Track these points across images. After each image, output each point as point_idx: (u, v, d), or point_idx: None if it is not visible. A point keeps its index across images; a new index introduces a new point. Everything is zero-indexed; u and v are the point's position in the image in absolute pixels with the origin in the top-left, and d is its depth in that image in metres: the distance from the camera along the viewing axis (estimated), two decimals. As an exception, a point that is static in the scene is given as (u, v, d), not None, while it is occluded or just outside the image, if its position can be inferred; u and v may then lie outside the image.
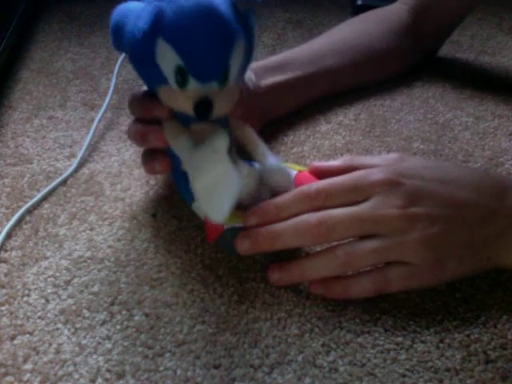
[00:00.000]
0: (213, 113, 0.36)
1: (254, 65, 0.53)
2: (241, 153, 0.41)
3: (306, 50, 0.60)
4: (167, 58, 0.35)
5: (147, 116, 0.41)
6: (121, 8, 0.37)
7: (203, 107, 0.36)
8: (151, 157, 0.42)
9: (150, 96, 0.40)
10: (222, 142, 0.36)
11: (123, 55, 0.65)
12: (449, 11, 0.65)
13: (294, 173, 0.42)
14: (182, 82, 0.35)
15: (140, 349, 0.35)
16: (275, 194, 0.40)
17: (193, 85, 0.35)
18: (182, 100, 0.36)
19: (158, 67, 0.35)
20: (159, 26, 0.34)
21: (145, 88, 0.42)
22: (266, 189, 0.40)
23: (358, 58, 0.62)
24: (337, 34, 0.64)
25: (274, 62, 0.56)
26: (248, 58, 0.39)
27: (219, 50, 0.35)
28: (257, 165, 0.41)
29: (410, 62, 0.67)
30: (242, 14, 0.36)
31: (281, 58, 0.57)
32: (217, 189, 0.36)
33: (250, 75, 0.50)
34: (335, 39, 0.63)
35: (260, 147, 0.41)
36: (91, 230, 0.44)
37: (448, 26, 0.68)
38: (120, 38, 0.37)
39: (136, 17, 0.35)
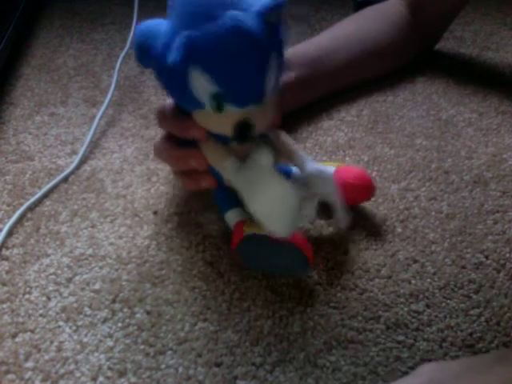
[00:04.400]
0: (253, 133, 0.36)
1: None
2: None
3: (313, 47, 0.59)
4: (202, 86, 0.33)
5: (182, 136, 0.39)
6: (144, 27, 0.35)
7: (243, 130, 0.35)
8: (195, 175, 0.40)
9: (181, 111, 0.38)
10: (268, 159, 0.36)
11: (124, 52, 0.65)
12: (443, 2, 0.65)
13: (332, 169, 0.42)
14: (219, 108, 0.34)
15: (141, 347, 0.35)
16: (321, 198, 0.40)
17: (231, 109, 0.34)
18: (220, 123, 0.36)
19: (192, 94, 0.34)
20: (191, 54, 0.32)
21: (169, 99, 0.40)
22: (312, 195, 0.40)
23: (362, 53, 0.62)
24: (340, 30, 0.64)
25: None
26: (280, 68, 0.37)
27: (255, 72, 0.34)
28: (294, 170, 0.41)
29: (410, 56, 0.67)
30: (271, 26, 0.34)
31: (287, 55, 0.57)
32: (277, 207, 0.36)
33: None
34: (340, 36, 0.62)
35: (297, 153, 0.40)
36: (93, 227, 0.44)
37: (444, 18, 0.68)
38: (147, 59, 0.36)
39: (165, 43, 0.34)
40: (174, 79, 0.35)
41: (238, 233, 0.38)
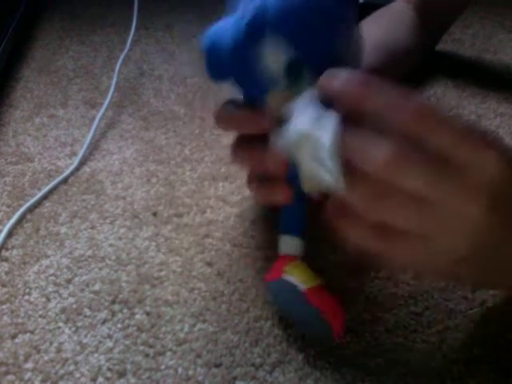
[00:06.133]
0: None
1: None
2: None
3: None
4: (278, 54, 0.30)
5: (251, 129, 0.35)
6: (213, 29, 0.33)
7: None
8: (269, 185, 0.36)
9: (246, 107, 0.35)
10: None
11: (124, 54, 0.65)
12: (449, 4, 0.65)
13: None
14: (296, 79, 0.31)
15: (141, 347, 0.35)
16: None
17: (307, 81, 0.31)
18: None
19: (266, 69, 0.31)
20: (264, 20, 0.30)
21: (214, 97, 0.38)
22: None
23: (380, 59, 0.61)
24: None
25: None
26: (354, 45, 0.35)
27: (329, 34, 0.31)
28: None
29: (419, 59, 0.67)
30: None
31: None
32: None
33: None
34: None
35: None
36: (92, 228, 0.44)
37: (448, 20, 0.68)
38: (218, 56, 0.33)
39: (235, 25, 0.31)
40: (246, 56, 0.31)
41: (278, 270, 0.35)
